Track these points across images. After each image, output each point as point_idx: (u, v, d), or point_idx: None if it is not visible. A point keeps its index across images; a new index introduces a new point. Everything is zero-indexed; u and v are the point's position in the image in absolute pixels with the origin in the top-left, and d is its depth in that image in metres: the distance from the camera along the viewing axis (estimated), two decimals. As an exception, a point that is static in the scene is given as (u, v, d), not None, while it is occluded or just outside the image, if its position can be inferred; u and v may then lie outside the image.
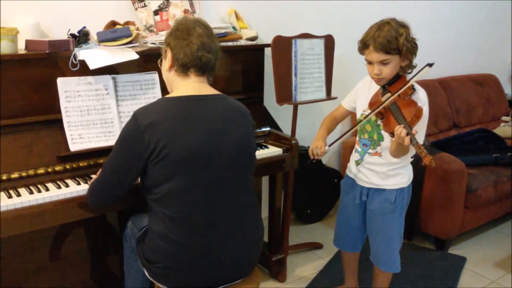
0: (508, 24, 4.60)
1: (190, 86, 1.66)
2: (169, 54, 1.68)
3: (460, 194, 2.86)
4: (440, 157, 2.91)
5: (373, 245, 2.20)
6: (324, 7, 3.23)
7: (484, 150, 3.23)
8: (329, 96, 2.71)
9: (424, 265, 2.82)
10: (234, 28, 2.66)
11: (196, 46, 1.62)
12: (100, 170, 1.69)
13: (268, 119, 2.63)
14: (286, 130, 2.79)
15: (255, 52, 2.60)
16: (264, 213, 2.78)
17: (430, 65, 1.78)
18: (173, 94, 1.67)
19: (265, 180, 2.82)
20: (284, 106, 2.56)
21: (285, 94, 2.53)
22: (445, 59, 4.15)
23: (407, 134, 1.70)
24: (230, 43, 2.50)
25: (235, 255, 1.65)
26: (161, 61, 1.77)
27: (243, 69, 2.56)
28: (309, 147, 2.17)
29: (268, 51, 2.55)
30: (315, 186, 3.21)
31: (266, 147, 2.43)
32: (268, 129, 2.56)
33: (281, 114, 2.92)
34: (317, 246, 3.03)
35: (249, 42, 2.60)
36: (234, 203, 1.64)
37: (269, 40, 2.48)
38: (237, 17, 2.72)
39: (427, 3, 3.85)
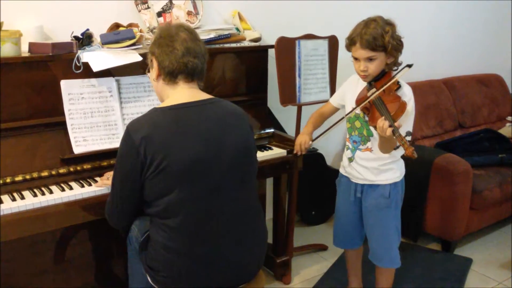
0: (513, 23, 4.58)
1: (181, 93, 1.62)
2: (154, 63, 1.64)
3: (465, 195, 2.84)
4: (445, 158, 2.89)
5: (371, 241, 2.21)
6: (327, 8, 3.22)
7: (489, 151, 3.21)
8: (333, 97, 2.70)
9: (429, 267, 2.80)
10: (237, 29, 2.65)
11: (181, 52, 1.58)
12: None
13: (272, 121, 2.63)
14: (290, 132, 2.78)
15: (258, 53, 2.59)
16: (269, 214, 2.77)
17: (410, 66, 1.86)
18: (164, 103, 1.61)
19: (269, 182, 2.81)
20: (288, 107, 2.55)
21: (289, 95, 2.53)
22: (450, 59, 4.13)
23: (390, 126, 1.75)
24: (233, 45, 2.49)
25: (240, 260, 1.64)
26: (148, 71, 1.72)
27: (247, 70, 2.55)
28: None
29: (271, 52, 2.54)
30: (319, 187, 3.20)
31: (270, 148, 2.43)
32: (272, 130, 2.56)
33: (285, 115, 2.91)
34: (322, 247, 3.02)
35: (253, 44, 2.59)
36: (237, 208, 1.62)
37: (272, 41, 2.47)
38: (240, 18, 2.72)
39: (432, 3, 3.83)
